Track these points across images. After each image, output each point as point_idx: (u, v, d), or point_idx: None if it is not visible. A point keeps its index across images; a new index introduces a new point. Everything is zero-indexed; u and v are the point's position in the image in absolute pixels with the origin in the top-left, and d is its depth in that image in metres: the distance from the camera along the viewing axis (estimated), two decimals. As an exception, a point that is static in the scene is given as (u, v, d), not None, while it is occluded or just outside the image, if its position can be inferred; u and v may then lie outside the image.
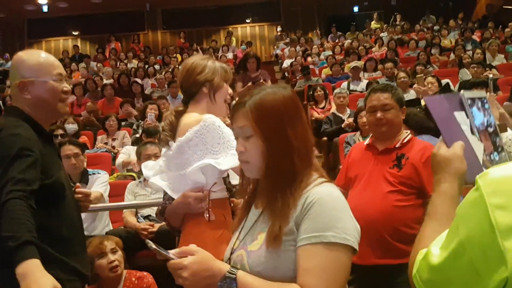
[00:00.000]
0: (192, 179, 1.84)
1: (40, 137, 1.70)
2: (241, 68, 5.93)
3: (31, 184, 1.53)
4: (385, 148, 2.44)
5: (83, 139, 5.93)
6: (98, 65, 11.18)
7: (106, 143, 5.72)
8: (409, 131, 2.52)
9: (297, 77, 9.14)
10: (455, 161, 1.04)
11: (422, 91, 5.25)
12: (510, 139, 2.97)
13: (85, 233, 3.49)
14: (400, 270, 1.96)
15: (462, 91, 1.11)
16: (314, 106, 6.95)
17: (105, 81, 9.04)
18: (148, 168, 2.09)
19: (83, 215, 3.50)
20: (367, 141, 2.56)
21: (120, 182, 4.24)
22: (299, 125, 1.20)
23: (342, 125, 5.48)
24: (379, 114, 2.40)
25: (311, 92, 7.33)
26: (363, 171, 2.44)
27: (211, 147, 1.83)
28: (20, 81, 1.74)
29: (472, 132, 1.07)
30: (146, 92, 8.26)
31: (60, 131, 4.82)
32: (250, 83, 5.40)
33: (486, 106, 1.13)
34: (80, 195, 1.88)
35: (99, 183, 3.66)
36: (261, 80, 5.63)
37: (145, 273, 2.72)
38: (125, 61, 11.51)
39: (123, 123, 6.36)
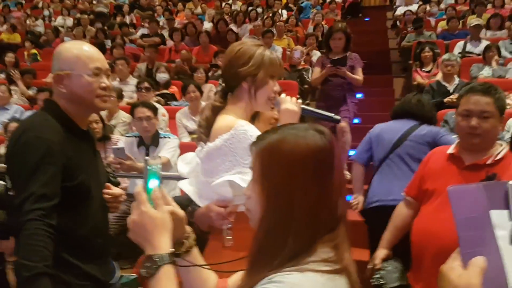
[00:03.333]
0: (218, 191, 1.65)
1: (73, 135, 1.64)
2: (324, 46, 4.78)
3: (52, 199, 1.50)
4: (473, 163, 2.01)
5: (172, 89, 5.99)
6: (203, 6, 11.13)
7: (193, 96, 5.69)
8: (503, 144, 2.04)
9: (408, 29, 8.22)
10: None
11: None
12: None
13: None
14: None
15: (511, 182, 0.76)
16: (419, 69, 6.22)
17: (206, 25, 8.97)
18: (186, 161, 1.94)
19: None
20: (451, 149, 2.13)
21: (192, 144, 4.20)
22: (316, 192, 0.90)
23: (444, 100, 4.79)
24: (474, 122, 1.98)
25: (418, 51, 6.55)
26: (443, 187, 2.05)
27: (241, 158, 1.61)
28: (56, 73, 1.65)
29: None
30: (243, 39, 8.04)
31: (145, 84, 4.84)
32: (328, 66, 4.31)
33: None
34: (108, 196, 1.78)
35: (167, 148, 3.64)
36: (347, 67, 4.34)
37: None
38: (230, 1, 11.30)
39: (213, 75, 6.28)
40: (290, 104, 1.75)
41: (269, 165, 0.92)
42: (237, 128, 1.61)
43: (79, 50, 1.66)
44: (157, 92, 5.57)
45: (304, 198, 0.89)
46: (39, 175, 1.49)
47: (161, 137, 3.71)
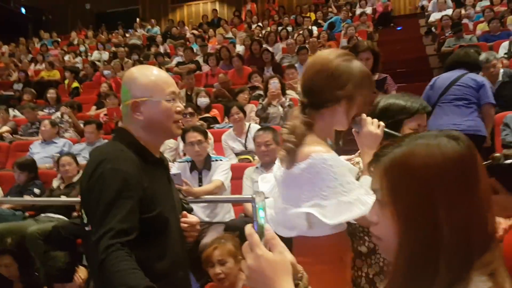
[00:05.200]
0: (294, 222, 1.55)
1: (147, 164, 1.56)
2: None
3: (130, 234, 1.42)
4: None
5: (213, 112, 5.98)
6: (233, 30, 11.25)
7: (235, 118, 5.66)
8: None
9: (446, 34, 8.02)
10: None
11: None
12: None
13: (207, 219, 3.60)
14: None
15: None
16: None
17: (238, 48, 9.03)
18: (265, 180, 1.86)
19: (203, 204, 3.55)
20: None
21: (241, 165, 4.14)
22: (464, 207, 0.77)
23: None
24: None
25: (461, 55, 6.35)
26: None
27: (319, 189, 1.46)
28: (133, 101, 1.59)
29: None
30: (276, 58, 8.03)
31: (189, 110, 4.85)
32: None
33: None
34: (186, 225, 1.70)
35: (220, 171, 3.58)
36: (382, 92, 3.58)
37: None
38: (259, 23, 11.40)
39: (253, 95, 6.24)
40: (373, 126, 1.60)
41: (400, 184, 0.79)
42: (315, 157, 1.47)
43: (154, 76, 1.61)
44: (199, 117, 5.57)
45: (450, 216, 0.76)
46: (117, 210, 1.42)
47: (212, 160, 3.66)
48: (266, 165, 3.59)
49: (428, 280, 0.76)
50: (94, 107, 7.45)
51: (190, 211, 1.79)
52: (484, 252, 0.77)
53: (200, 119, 5.51)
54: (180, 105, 1.63)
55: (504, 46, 6.39)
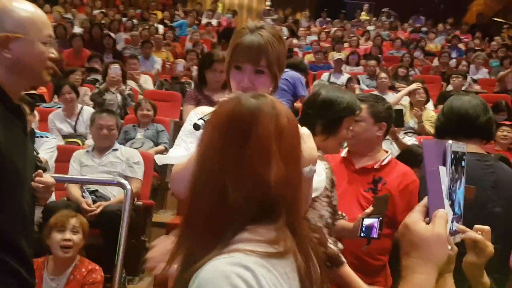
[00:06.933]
0: None
1: (3, 108, 1.38)
2: (199, 79, 3.26)
3: None
4: (362, 167, 2.24)
5: (41, 90, 5.51)
6: (73, 10, 10.51)
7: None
8: (389, 151, 2.34)
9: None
10: (438, 245, 0.79)
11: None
12: None
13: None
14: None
15: (450, 141, 0.84)
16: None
17: (75, 30, 8.48)
18: None
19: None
20: (343, 153, 2.35)
21: (68, 147, 3.90)
22: (230, 156, 0.83)
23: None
24: None
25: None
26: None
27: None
28: (4, 35, 1.38)
29: (449, 197, 0.84)
30: (118, 47, 7.78)
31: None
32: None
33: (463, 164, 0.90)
34: (40, 185, 1.53)
35: (45, 148, 3.33)
36: None
37: (97, 267, 2.52)
38: (102, 9, 10.88)
39: (87, 78, 5.94)
40: None
41: (204, 134, 0.91)
42: None
43: (33, 13, 1.43)
44: (24, 92, 5.06)
45: (233, 160, 0.82)
46: None
47: (37, 136, 3.37)
48: (101, 150, 3.46)
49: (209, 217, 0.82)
50: None
51: (44, 170, 1.63)
52: (268, 207, 0.82)
53: (25, 95, 5.02)
54: (54, 52, 1.49)
55: (324, 76, 7.35)
